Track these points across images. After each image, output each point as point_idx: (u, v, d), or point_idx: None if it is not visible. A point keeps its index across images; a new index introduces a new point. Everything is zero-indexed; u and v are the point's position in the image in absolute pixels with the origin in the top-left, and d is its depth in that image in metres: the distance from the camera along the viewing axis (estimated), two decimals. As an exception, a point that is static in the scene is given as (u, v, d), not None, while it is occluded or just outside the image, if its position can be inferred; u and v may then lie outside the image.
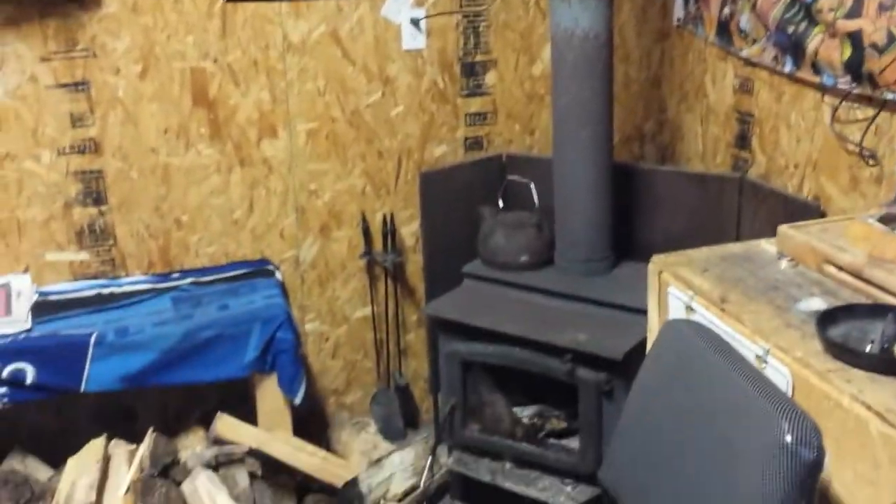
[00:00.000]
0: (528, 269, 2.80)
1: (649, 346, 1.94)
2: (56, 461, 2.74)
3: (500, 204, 2.93)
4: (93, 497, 2.45)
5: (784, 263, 1.88)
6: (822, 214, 2.30)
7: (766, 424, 1.29)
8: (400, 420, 3.23)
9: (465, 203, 2.99)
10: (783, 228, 1.93)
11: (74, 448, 2.69)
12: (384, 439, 3.07)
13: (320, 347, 3.21)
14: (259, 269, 3.00)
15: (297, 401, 2.75)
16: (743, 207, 2.60)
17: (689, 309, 1.76)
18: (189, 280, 2.93)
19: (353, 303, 3.20)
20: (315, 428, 3.13)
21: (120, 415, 2.97)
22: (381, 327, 3.22)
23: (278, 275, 3.02)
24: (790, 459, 1.24)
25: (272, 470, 2.75)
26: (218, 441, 2.70)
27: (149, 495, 2.52)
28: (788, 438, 1.25)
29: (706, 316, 1.73)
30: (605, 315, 2.58)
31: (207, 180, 2.95)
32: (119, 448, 2.72)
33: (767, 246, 1.97)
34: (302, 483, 2.79)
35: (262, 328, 2.69)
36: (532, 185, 2.81)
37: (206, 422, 2.81)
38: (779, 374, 1.53)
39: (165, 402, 3.02)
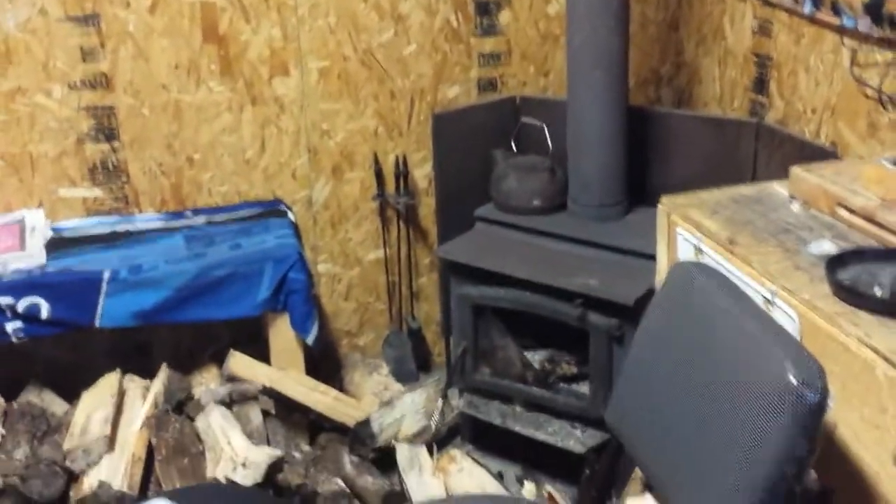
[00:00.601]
0: (540, 213, 2.78)
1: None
2: (71, 395, 2.78)
3: (514, 147, 2.90)
4: (108, 430, 2.49)
5: (796, 206, 1.86)
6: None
7: (771, 366, 1.29)
8: (412, 363, 3.26)
9: (478, 145, 2.97)
10: (796, 170, 1.91)
11: (89, 383, 2.74)
12: (396, 381, 3.09)
13: (333, 289, 3.22)
14: (271, 210, 3.01)
15: (310, 341, 2.77)
16: (759, 153, 2.56)
17: (698, 251, 1.75)
18: (202, 219, 2.94)
19: (365, 245, 3.20)
20: (327, 369, 3.16)
21: (134, 351, 3.00)
22: (393, 270, 3.23)
23: (291, 215, 3.02)
24: (794, 401, 1.24)
25: (285, 408, 2.79)
26: (231, 379, 2.74)
27: (163, 430, 2.56)
28: (793, 380, 1.25)
29: (714, 258, 1.72)
30: (618, 260, 2.57)
31: (219, 118, 2.94)
32: (133, 383, 2.76)
33: (779, 188, 1.95)
34: (314, 422, 2.83)
35: (275, 268, 2.70)
36: (545, 129, 2.78)
37: (219, 360, 2.85)
38: (786, 316, 1.52)
39: (178, 339, 3.05)
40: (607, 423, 1.74)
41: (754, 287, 1.60)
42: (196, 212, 2.99)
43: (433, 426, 2.81)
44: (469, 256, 2.68)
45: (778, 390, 1.25)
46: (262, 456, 2.45)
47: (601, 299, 2.44)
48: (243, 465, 2.42)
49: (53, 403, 2.81)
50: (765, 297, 1.55)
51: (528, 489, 1.96)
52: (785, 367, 1.26)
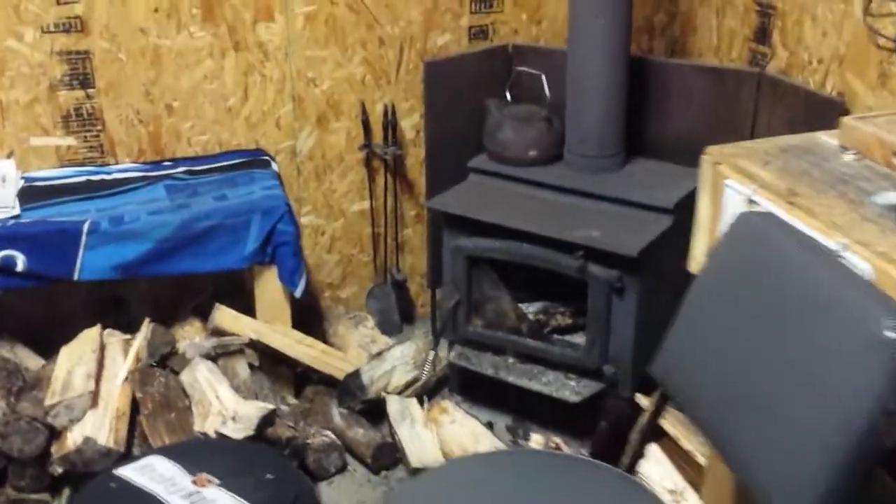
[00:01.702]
0: (536, 164, 2.72)
1: (702, 243, 1.87)
2: (45, 351, 2.68)
3: (508, 97, 2.83)
4: (91, 386, 2.40)
5: (848, 156, 1.79)
6: (846, 112, 2.23)
7: (860, 318, 1.24)
8: (397, 315, 3.20)
9: (470, 95, 2.89)
10: (847, 120, 1.84)
11: (64, 338, 2.63)
12: (382, 333, 3.04)
13: (316, 241, 3.14)
14: (255, 160, 2.90)
15: (298, 293, 2.69)
16: (760, 104, 2.53)
17: (751, 202, 1.67)
18: (182, 169, 2.83)
19: (350, 196, 3.12)
20: (309, 322, 3.08)
21: (111, 305, 2.90)
22: (378, 222, 3.15)
23: (275, 165, 2.92)
24: (889, 355, 1.19)
25: (271, 361, 2.72)
26: (216, 332, 2.65)
27: (147, 385, 2.48)
28: (890, 334, 1.20)
29: (771, 210, 1.65)
30: (617, 212, 2.53)
31: (200, 64, 2.82)
32: (114, 338, 2.67)
33: (827, 139, 1.88)
34: (301, 374, 2.77)
35: (263, 219, 2.62)
36: (543, 77, 2.71)
37: (201, 313, 2.77)
38: (858, 270, 1.46)
39: (158, 293, 2.95)
40: (654, 375, 1.67)
41: (820, 240, 1.53)
42: (175, 162, 2.87)
43: (424, 378, 2.76)
44: (464, 208, 2.62)
45: (871, 344, 1.20)
46: (253, 409, 2.39)
47: (603, 251, 2.39)
48: (233, 419, 2.36)
49: (28, 359, 2.71)
50: (833, 251, 1.49)
51: (537, 440, 1.93)
52: (880, 321, 1.21)
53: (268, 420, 2.38)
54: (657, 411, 1.69)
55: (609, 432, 1.71)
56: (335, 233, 3.15)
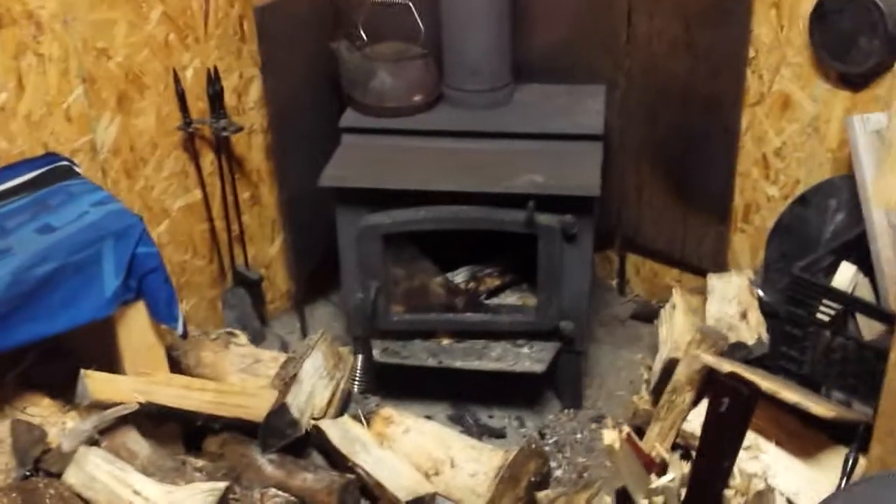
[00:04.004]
0: (420, 111, 2.33)
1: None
2: None
3: (364, 36, 2.37)
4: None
5: None
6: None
7: None
8: (256, 320, 2.68)
9: (308, 42, 2.40)
10: None
11: None
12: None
13: (138, 254, 2.48)
14: (54, 168, 2.18)
15: (181, 329, 2.10)
16: (634, 6, 2.36)
17: None
18: (-43, 201, 2.05)
19: (171, 190, 2.49)
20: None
21: None
22: (212, 214, 2.57)
23: (79, 171, 2.22)
24: None
25: (151, 422, 2.12)
26: (89, 406, 2.00)
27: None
28: None
29: None
30: (542, 148, 2.24)
31: (-49, 53, 2.03)
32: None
33: None
34: (201, 428, 2.20)
35: (117, 246, 1.97)
36: (412, 7, 2.28)
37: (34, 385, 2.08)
38: None
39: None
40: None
41: None
42: (-59, 193, 2.08)
43: (355, 388, 2.32)
44: (366, 179, 2.17)
45: None
46: (200, 496, 1.83)
47: (550, 196, 2.10)
48: (176, 517, 1.78)
49: None
50: None
51: (609, 436, 1.63)
52: None
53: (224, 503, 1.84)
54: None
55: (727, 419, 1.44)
56: (160, 238, 2.50)
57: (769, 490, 1.73)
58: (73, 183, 2.14)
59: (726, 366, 1.83)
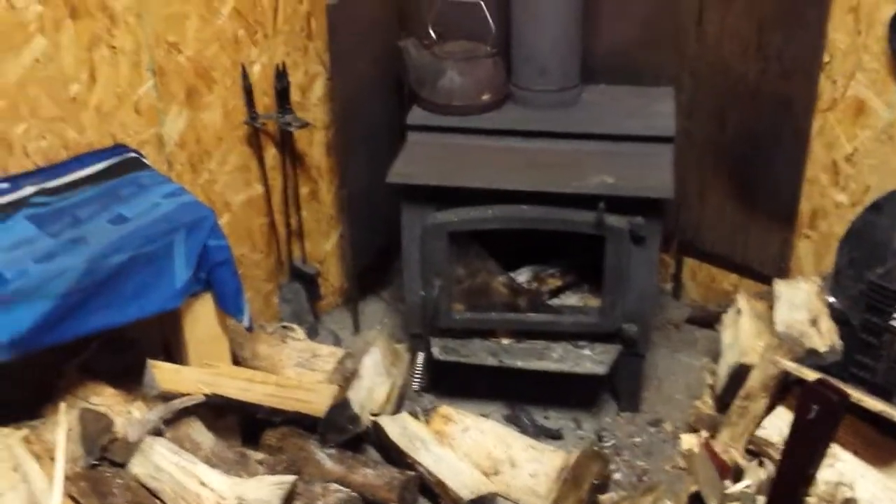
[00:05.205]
0: (489, 110, 2.32)
1: None
2: None
3: (432, 34, 2.36)
4: (39, 521, 1.69)
5: None
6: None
7: None
8: (311, 315, 2.68)
9: (378, 40, 2.40)
10: None
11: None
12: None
13: (200, 248, 2.48)
14: (124, 160, 2.20)
15: (247, 322, 2.11)
16: (705, 5, 2.33)
17: None
18: (30, 190, 2.06)
19: (234, 185, 2.50)
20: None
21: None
22: (272, 209, 2.57)
23: (148, 162, 2.24)
24: None
25: (211, 414, 2.13)
26: (157, 397, 2.01)
27: (105, 494, 1.81)
28: None
29: None
30: (612, 150, 2.22)
31: (28, 45, 2.04)
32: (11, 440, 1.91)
33: None
34: (261, 422, 2.20)
35: (189, 238, 1.98)
36: (483, 5, 2.28)
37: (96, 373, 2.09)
38: None
39: (16, 365, 2.17)
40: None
41: None
42: (14, 182, 2.09)
43: (415, 386, 2.31)
44: (434, 176, 2.17)
45: None
46: (267, 489, 1.83)
47: (619, 197, 2.08)
48: (242, 510, 1.79)
49: None
50: None
51: (687, 441, 1.62)
52: None
53: (290, 497, 1.83)
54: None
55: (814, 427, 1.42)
56: (221, 232, 2.52)
57: (855, 499, 1.70)
58: (143, 174, 2.15)
59: (806, 372, 1.81)
